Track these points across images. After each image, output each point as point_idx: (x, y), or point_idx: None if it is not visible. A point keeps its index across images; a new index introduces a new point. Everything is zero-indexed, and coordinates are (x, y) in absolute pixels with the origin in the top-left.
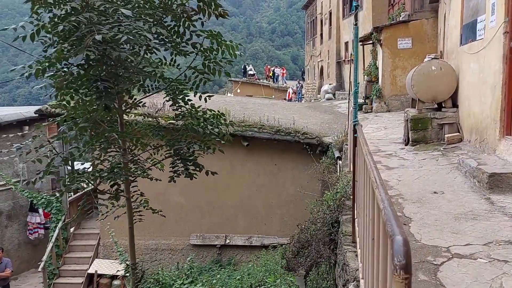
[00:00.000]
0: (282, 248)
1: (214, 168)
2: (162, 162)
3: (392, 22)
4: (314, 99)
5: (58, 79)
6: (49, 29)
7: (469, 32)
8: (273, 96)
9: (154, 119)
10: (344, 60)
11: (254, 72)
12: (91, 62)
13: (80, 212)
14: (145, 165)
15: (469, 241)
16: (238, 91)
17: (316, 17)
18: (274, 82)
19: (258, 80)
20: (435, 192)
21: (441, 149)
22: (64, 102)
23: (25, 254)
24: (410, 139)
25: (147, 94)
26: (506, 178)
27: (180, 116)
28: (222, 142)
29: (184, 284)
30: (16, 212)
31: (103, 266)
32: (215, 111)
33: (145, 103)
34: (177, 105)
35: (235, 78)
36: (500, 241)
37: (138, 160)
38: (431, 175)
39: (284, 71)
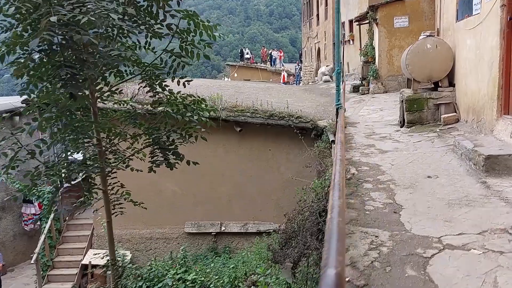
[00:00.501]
0: (268, 238)
1: (207, 154)
2: (143, 151)
3: (388, 0)
4: (312, 82)
5: (17, 66)
6: (6, 12)
7: (465, 7)
8: (270, 80)
9: (131, 107)
10: (341, 41)
11: (251, 56)
12: (54, 47)
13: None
14: (125, 155)
15: (462, 230)
16: (236, 75)
17: None
18: (271, 65)
19: (255, 64)
20: (429, 177)
21: (437, 130)
22: (28, 91)
23: (20, 245)
24: (406, 121)
25: (121, 80)
26: (503, 160)
27: (158, 103)
28: (203, 129)
29: (178, 274)
30: (10, 203)
31: (97, 257)
32: (197, 97)
33: (121, 89)
34: (154, 91)
35: (232, 62)
36: (496, 230)
37: (118, 150)
38: (426, 158)
39: (282, 54)
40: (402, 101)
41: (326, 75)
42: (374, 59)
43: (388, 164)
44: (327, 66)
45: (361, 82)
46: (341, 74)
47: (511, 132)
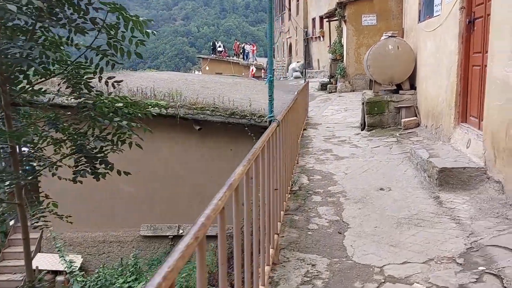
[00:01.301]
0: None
1: (164, 153)
2: (73, 156)
3: None
4: (283, 77)
5: None
6: None
7: (427, 8)
8: (242, 74)
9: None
10: (311, 37)
11: (223, 49)
12: None
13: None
14: (52, 161)
15: (408, 257)
16: (207, 68)
17: None
18: (244, 59)
19: (228, 57)
20: (381, 189)
21: (397, 134)
22: None
23: None
24: (366, 124)
25: (39, 81)
26: (458, 174)
27: (83, 106)
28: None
29: (127, 282)
30: None
31: (46, 261)
32: (130, 99)
33: (45, 89)
34: (79, 92)
35: (204, 55)
36: (443, 258)
37: (43, 156)
38: (381, 166)
39: (255, 48)
40: (363, 103)
41: (296, 71)
42: (343, 57)
43: (342, 173)
44: (298, 62)
45: (329, 80)
46: (272, 82)
47: (467, 141)
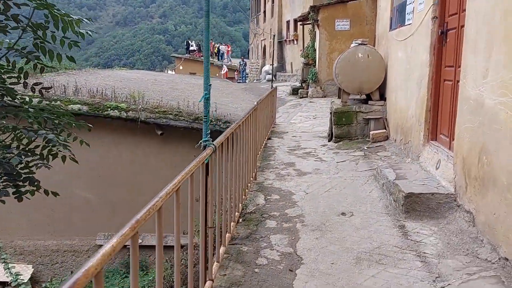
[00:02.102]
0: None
1: (125, 159)
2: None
3: (331, 1)
4: (257, 79)
5: None
6: None
7: (398, 15)
8: (216, 74)
9: None
10: (285, 40)
11: (196, 49)
12: None
13: None
14: None
15: None
16: (181, 68)
17: None
18: (218, 59)
19: (202, 57)
20: (343, 214)
21: (365, 148)
22: None
23: None
24: (334, 135)
25: None
26: (425, 200)
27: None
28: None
29: None
30: None
31: None
32: (60, 107)
33: None
34: None
35: (178, 55)
36: None
37: None
38: (345, 185)
39: (229, 49)
40: (331, 113)
41: (269, 74)
42: (315, 62)
43: (303, 192)
44: (271, 64)
45: (301, 84)
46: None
47: (437, 162)
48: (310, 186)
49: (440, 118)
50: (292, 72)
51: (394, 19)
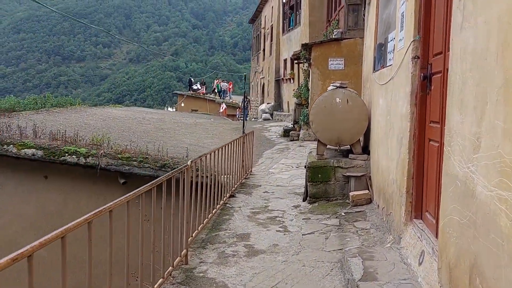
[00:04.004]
0: None
1: (85, 210)
2: None
3: (323, 40)
4: (254, 118)
5: None
6: None
7: (381, 54)
8: (218, 111)
9: None
10: (282, 79)
11: (200, 88)
12: None
13: None
14: None
15: None
16: (182, 105)
17: (261, 31)
18: (221, 97)
19: (205, 94)
20: None
21: (343, 213)
22: None
23: None
24: (308, 194)
25: None
26: None
27: None
28: None
29: None
30: None
31: None
32: None
33: None
34: None
35: (181, 91)
36: None
37: None
38: (301, 277)
39: (231, 86)
40: (305, 167)
41: (266, 112)
42: (308, 102)
43: (241, 286)
44: (268, 103)
45: (293, 125)
46: None
47: (420, 254)
48: (255, 276)
49: (425, 190)
50: (288, 112)
51: (377, 58)
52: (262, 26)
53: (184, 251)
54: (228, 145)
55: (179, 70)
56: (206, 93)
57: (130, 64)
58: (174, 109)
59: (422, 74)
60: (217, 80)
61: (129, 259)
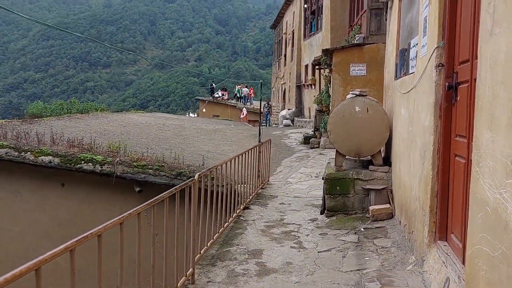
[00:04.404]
0: None
1: (101, 218)
2: None
3: (345, 45)
4: (275, 124)
5: None
6: None
7: (403, 61)
8: (240, 117)
9: None
10: (303, 84)
11: (220, 96)
12: None
13: None
14: None
15: None
16: (204, 110)
17: (282, 37)
18: (242, 102)
19: (226, 100)
20: None
21: (362, 229)
22: None
23: None
24: (326, 207)
25: None
26: None
27: None
28: None
29: None
30: None
31: None
32: None
33: None
34: None
35: (202, 97)
36: None
37: None
38: None
39: (252, 92)
40: (323, 178)
41: (287, 118)
42: (329, 109)
43: None
44: (289, 109)
45: (314, 132)
46: None
47: (445, 281)
48: None
49: (451, 209)
50: (310, 118)
51: (399, 65)
52: (284, 31)
53: (191, 269)
54: (242, 155)
55: (202, 75)
56: (228, 99)
57: (154, 70)
58: (195, 115)
59: (447, 83)
60: (238, 86)
61: (127, 278)
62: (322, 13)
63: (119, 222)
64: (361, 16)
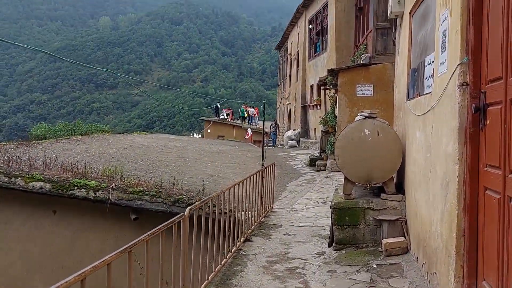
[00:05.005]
0: None
1: (94, 248)
2: None
3: (351, 65)
4: (281, 145)
5: None
6: None
7: (416, 80)
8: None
9: None
10: (309, 105)
11: (226, 117)
12: None
13: None
14: None
15: None
16: (209, 131)
17: (287, 57)
18: (249, 122)
19: (231, 120)
20: None
21: (374, 266)
22: None
23: None
24: (334, 239)
25: None
26: None
27: None
28: None
29: None
30: None
31: None
32: None
33: None
34: None
35: (207, 118)
36: None
37: None
38: None
39: (257, 111)
40: (331, 207)
41: (292, 139)
42: (335, 130)
43: None
44: (294, 130)
45: (320, 154)
46: None
47: None
48: None
49: (482, 252)
50: (315, 139)
51: (411, 85)
52: (289, 52)
53: None
54: (243, 181)
55: (208, 96)
56: (233, 119)
57: (160, 91)
58: (200, 136)
59: (473, 105)
60: (244, 106)
61: None
62: (327, 34)
63: (105, 264)
64: (366, 35)
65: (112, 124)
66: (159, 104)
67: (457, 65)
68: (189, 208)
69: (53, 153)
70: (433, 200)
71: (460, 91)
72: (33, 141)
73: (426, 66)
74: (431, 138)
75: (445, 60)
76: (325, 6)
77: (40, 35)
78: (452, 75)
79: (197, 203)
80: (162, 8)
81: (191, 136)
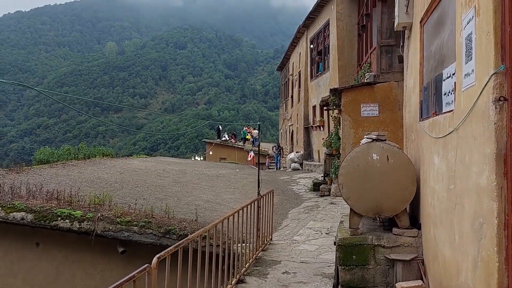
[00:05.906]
0: None
1: (79, 283)
2: None
3: (354, 84)
4: (283, 167)
5: None
6: None
7: (431, 97)
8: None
9: None
10: (312, 126)
11: (228, 139)
12: None
13: None
14: None
15: None
16: (211, 153)
17: (289, 78)
18: (253, 144)
19: (233, 142)
20: None
21: None
22: None
23: None
24: (340, 282)
25: None
26: None
27: None
28: None
29: None
30: None
31: None
32: None
33: None
34: None
35: (209, 140)
36: None
37: None
38: None
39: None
40: (335, 243)
41: (295, 162)
42: (339, 152)
43: None
44: (297, 152)
45: (324, 178)
46: None
47: None
48: None
49: None
50: (319, 161)
51: (424, 103)
52: (290, 73)
53: None
54: (236, 214)
55: (212, 118)
56: (236, 141)
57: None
58: (201, 158)
59: None
60: (246, 128)
61: None
62: (329, 53)
63: None
64: (370, 54)
65: (117, 147)
66: (164, 127)
67: (491, 76)
68: (157, 256)
69: (44, 179)
70: (460, 243)
71: (496, 107)
72: (25, 167)
73: (444, 80)
74: (455, 166)
75: (472, 71)
76: (327, 25)
77: (48, 60)
78: (483, 89)
79: (170, 247)
80: (167, 33)
81: (193, 159)
